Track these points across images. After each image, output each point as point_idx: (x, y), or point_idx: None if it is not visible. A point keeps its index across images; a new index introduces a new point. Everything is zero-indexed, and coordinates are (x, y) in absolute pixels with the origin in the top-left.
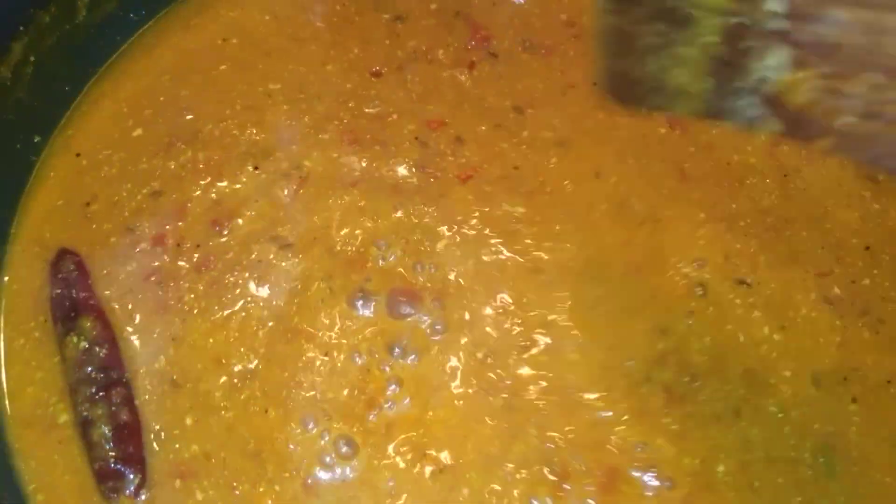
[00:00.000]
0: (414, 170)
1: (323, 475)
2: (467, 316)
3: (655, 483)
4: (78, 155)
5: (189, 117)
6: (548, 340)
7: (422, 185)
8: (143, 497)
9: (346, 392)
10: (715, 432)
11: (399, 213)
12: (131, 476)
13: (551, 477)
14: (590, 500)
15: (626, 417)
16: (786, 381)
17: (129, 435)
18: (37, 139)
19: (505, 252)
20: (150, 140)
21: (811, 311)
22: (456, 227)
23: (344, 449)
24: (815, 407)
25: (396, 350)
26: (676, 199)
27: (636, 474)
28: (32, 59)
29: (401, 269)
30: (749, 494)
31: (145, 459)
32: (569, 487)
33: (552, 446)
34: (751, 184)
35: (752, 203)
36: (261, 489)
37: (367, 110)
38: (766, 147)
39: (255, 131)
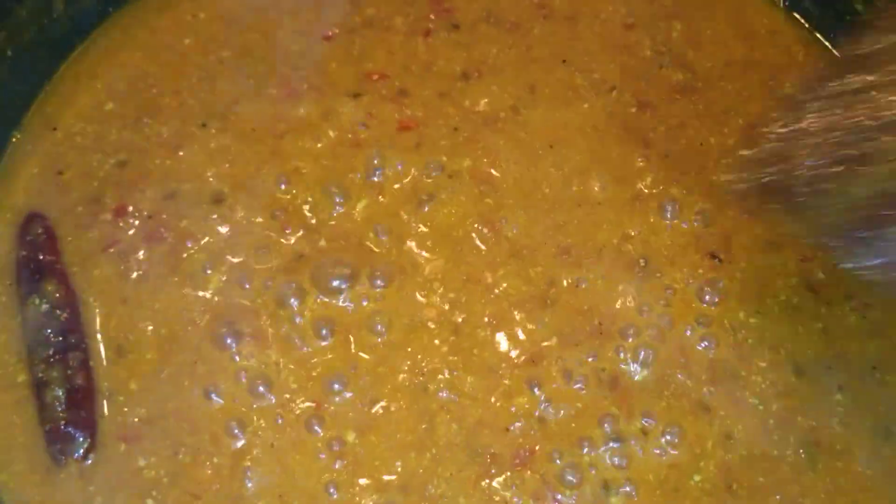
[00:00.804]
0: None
1: (258, 451)
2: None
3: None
4: (55, 129)
5: (154, 91)
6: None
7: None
8: (89, 461)
9: (291, 369)
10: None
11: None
12: (81, 439)
13: None
14: None
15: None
16: (761, 372)
17: (83, 399)
18: (16, 115)
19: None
20: (120, 114)
21: (792, 297)
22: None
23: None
24: (797, 398)
25: (334, 282)
26: (640, 176)
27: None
28: (9, 52)
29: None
30: (727, 497)
31: (96, 424)
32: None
33: None
34: (726, 163)
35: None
36: (202, 458)
37: (308, 68)
38: (743, 129)
39: (207, 99)
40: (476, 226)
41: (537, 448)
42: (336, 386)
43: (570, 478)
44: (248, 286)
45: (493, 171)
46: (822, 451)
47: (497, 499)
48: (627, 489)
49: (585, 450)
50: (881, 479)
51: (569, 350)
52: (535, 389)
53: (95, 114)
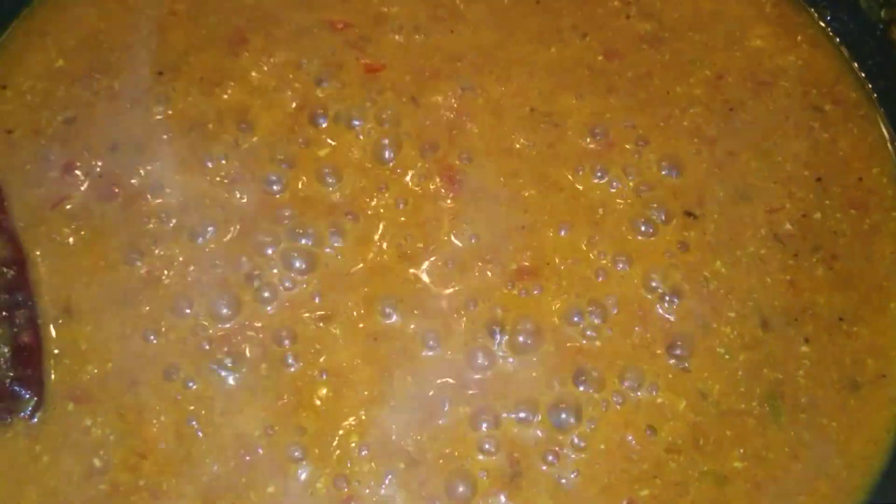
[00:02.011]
0: (316, 61)
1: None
2: None
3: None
4: (4, 87)
5: (105, 46)
6: None
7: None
8: (35, 419)
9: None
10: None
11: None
12: (27, 397)
13: None
14: None
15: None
16: (731, 323)
17: (29, 357)
18: None
19: None
20: (69, 70)
21: (760, 249)
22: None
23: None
24: (763, 351)
25: (302, 240)
26: (610, 122)
27: None
28: None
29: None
30: (694, 452)
31: (44, 383)
32: None
33: None
34: (694, 113)
35: (698, 133)
36: (148, 417)
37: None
38: (710, 80)
39: (157, 51)
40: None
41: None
42: (286, 342)
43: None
44: (199, 241)
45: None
46: (786, 403)
47: None
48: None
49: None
50: (846, 432)
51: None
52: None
53: (45, 71)
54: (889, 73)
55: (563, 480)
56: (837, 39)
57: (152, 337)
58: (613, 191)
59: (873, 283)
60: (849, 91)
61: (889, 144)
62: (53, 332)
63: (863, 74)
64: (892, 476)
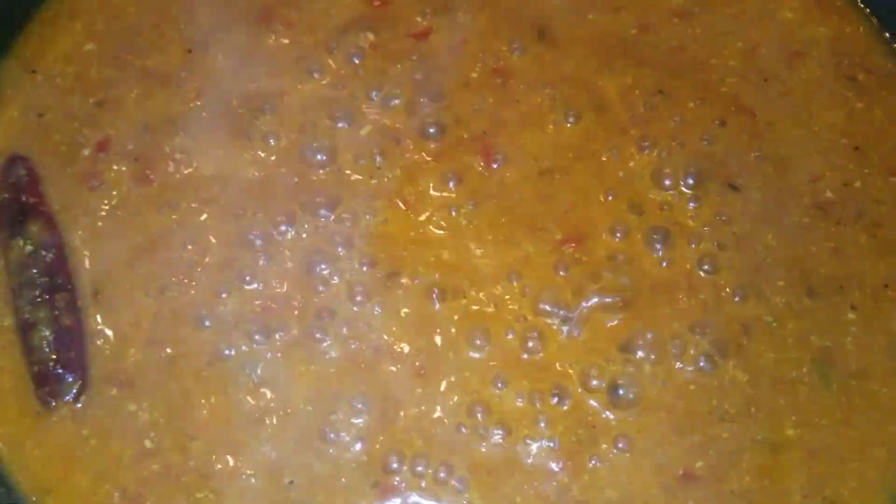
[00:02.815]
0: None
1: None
2: None
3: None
4: (34, 71)
5: (133, 27)
6: None
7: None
8: (80, 404)
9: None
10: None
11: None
12: (70, 380)
13: None
14: None
15: None
16: (780, 292)
17: (72, 340)
18: None
19: None
20: (99, 53)
21: (803, 217)
22: None
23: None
24: (810, 318)
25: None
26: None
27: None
28: None
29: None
30: (747, 421)
31: (87, 365)
32: None
33: None
34: (731, 81)
35: (735, 103)
36: (195, 398)
37: None
38: (745, 51)
39: (186, 30)
40: None
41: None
42: (325, 318)
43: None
44: (239, 218)
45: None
46: (835, 370)
47: None
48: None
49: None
50: None
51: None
52: None
53: (75, 54)
54: None
55: (615, 452)
56: (867, 10)
57: (195, 320)
58: (651, 162)
59: None
60: (881, 60)
61: None
62: (94, 316)
63: (894, 45)
64: None
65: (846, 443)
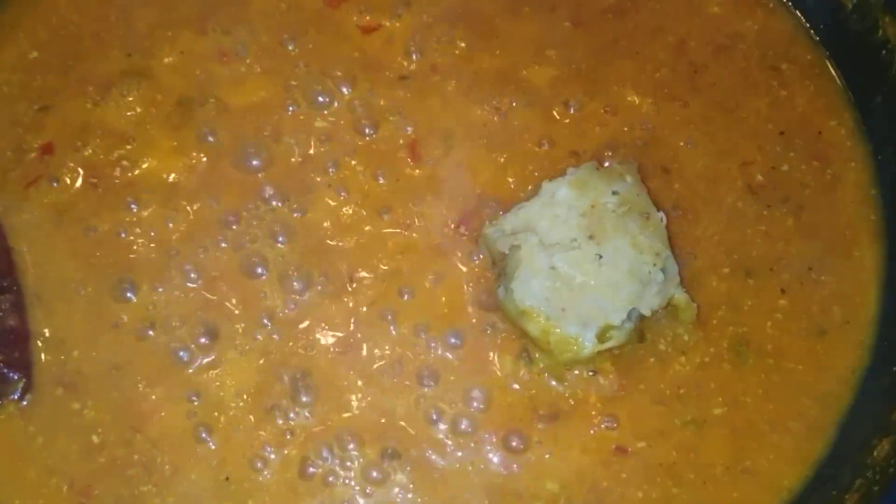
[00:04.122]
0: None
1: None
2: None
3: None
4: None
5: (76, 35)
6: None
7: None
8: (25, 402)
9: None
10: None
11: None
12: (15, 378)
13: None
14: None
15: None
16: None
17: (16, 340)
18: None
19: None
20: (44, 61)
21: (737, 201)
22: None
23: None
24: (734, 304)
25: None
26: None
27: None
28: None
29: None
30: (676, 404)
31: (32, 365)
32: None
33: None
34: (661, 75)
35: (669, 96)
36: (140, 400)
37: None
38: (674, 45)
39: (126, 35)
40: None
41: None
42: (265, 319)
43: None
44: (182, 219)
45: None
46: (751, 350)
47: None
48: None
49: None
50: (813, 374)
51: None
52: None
53: (20, 63)
54: (841, 35)
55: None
56: (791, 4)
57: (138, 320)
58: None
59: (837, 232)
60: (803, 52)
61: (844, 100)
62: (38, 317)
63: (816, 37)
64: (861, 414)
65: (766, 417)
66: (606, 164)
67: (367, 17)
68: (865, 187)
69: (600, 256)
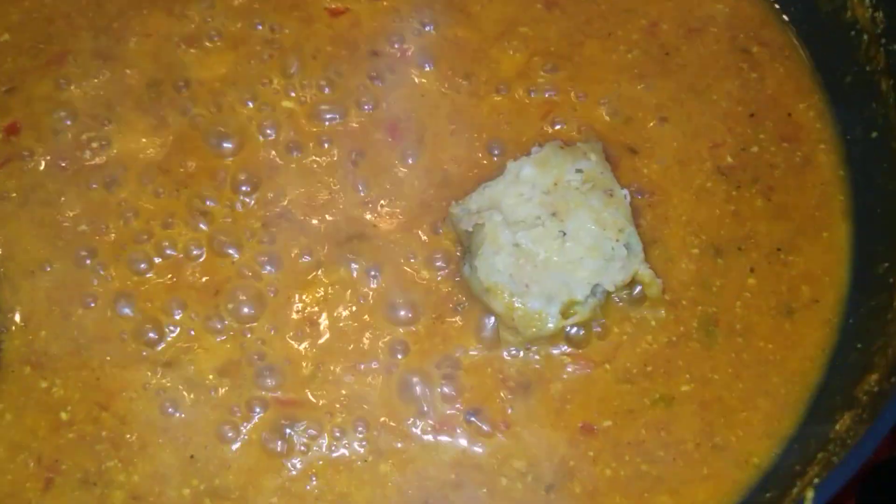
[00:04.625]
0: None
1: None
2: None
3: None
4: None
5: (47, 16)
6: None
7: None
8: None
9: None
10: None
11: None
12: None
13: None
14: None
15: None
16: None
17: None
18: None
19: None
20: (14, 43)
21: (706, 182)
22: None
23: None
24: (710, 281)
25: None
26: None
27: None
28: None
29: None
30: (644, 381)
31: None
32: None
33: None
34: (633, 56)
35: (640, 77)
36: (108, 378)
37: None
38: (646, 27)
39: (97, 14)
40: None
41: None
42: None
43: None
44: (150, 200)
45: None
46: (720, 329)
47: None
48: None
49: None
50: (782, 352)
51: None
52: None
53: None
54: (810, 16)
55: (507, 402)
56: None
57: (104, 299)
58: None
59: (806, 213)
60: (774, 35)
61: (813, 82)
62: (10, 295)
63: (786, 19)
64: (828, 390)
65: (736, 394)
66: (575, 145)
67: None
68: (835, 168)
69: (564, 233)
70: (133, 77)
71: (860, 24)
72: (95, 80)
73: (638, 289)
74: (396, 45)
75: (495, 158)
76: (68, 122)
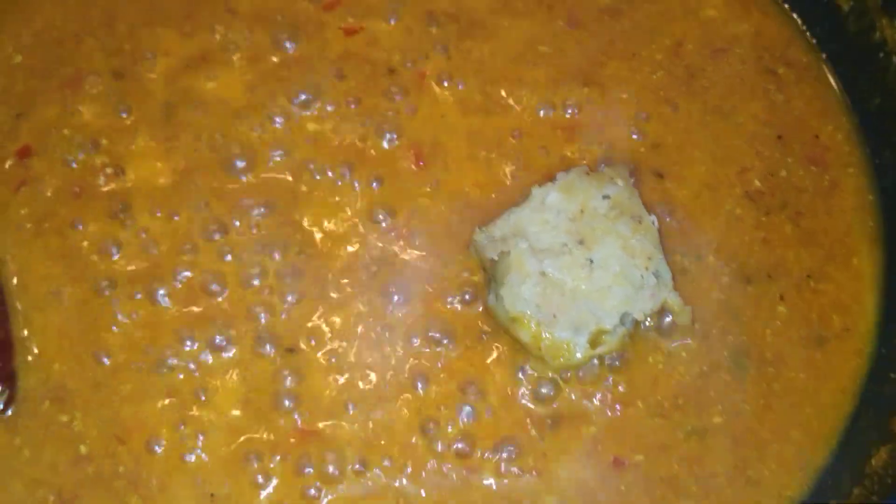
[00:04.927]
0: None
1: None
2: None
3: None
4: None
5: (57, 38)
6: None
7: None
8: (9, 412)
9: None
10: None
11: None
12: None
13: None
14: None
15: None
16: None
17: (0, 352)
18: None
19: None
20: (27, 65)
21: (735, 208)
22: None
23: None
24: (734, 312)
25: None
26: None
27: None
28: None
29: None
30: (676, 413)
31: (15, 376)
32: None
33: None
34: (657, 78)
35: (665, 99)
36: (125, 412)
37: None
38: (670, 48)
39: (109, 34)
40: None
41: None
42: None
43: None
44: (168, 224)
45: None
46: (752, 360)
47: None
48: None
49: None
50: (814, 383)
51: None
52: None
53: (3, 68)
54: (838, 37)
55: (536, 436)
56: (787, 6)
57: (122, 329)
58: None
59: (836, 238)
60: (800, 55)
61: (841, 104)
62: (20, 328)
63: (813, 40)
64: (860, 420)
65: (767, 426)
66: (600, 169)
67: (350, 20)
68: (863, 193)
69: (591, 261)
70: (146, 99)
71: (888, 44)
72: (108, 103)
73: (668, 318)
74: (411, 66)
75: (518, 181)
76: (81, 146)
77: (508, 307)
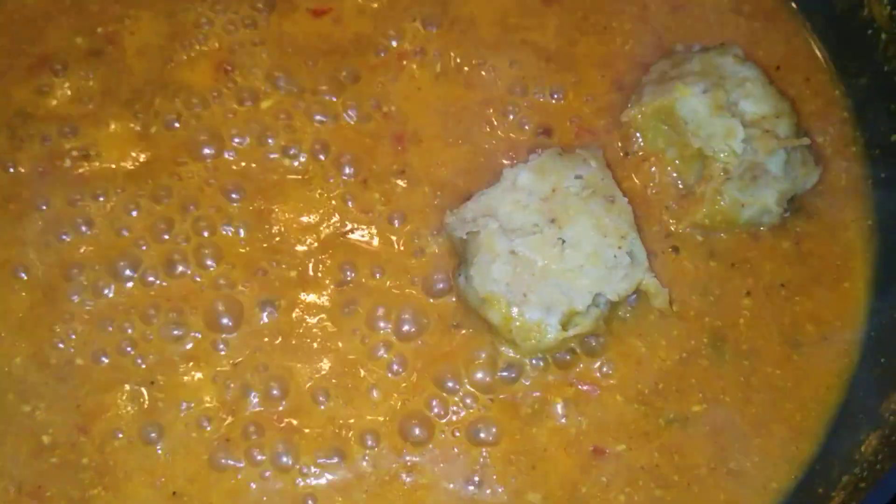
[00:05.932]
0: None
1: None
2: None
3: None
4: None
5: (29, 17)
6: None
7: None
8: None
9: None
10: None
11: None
12: None
13: None
14: None
15: None
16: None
17: None
18: None
19: None
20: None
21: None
22: None
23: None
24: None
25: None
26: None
27: None
28: None
29: None
30: (657, 400)
31: None
32: None
33: None
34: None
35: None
36: (88, 402)
37: None
38: (636, 16)
39: (78, 21)
40: None
41: None
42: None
43: None
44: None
45: None
46: (728, 346)
47: None
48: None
49: None
50: (793, 380)
51: None
52: None
53: None
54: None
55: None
56: None
57: (83, 316)
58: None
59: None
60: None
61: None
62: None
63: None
64: (851, 408)
65: (748, 419)
66: (574, 151)
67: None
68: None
69: (562, 240)
70: (118, 80)
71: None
72: (79, 84)
73: (645, 301)
74: (382, 49)
75: (493, 162)
76: (50, 128)
77: (478, 287)
